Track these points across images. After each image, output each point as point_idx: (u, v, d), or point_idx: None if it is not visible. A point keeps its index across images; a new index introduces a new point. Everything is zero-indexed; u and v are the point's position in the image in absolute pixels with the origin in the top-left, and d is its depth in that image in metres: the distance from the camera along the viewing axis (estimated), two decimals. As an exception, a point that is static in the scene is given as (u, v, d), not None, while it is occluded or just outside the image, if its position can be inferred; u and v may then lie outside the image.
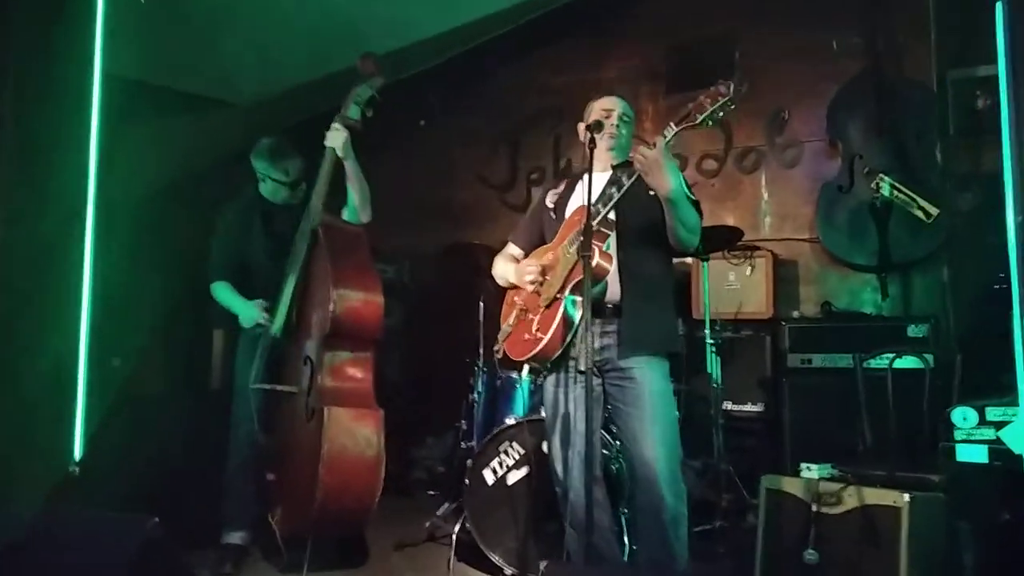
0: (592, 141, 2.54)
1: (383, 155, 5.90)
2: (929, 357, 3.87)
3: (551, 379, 2.78)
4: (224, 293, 3.53)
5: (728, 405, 4.70)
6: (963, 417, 2.42)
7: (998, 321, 4.00)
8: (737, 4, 5.11)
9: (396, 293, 5.44)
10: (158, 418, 4.06)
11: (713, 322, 4.02)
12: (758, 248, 4.84)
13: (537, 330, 2.69)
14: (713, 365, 3.87)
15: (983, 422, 2.37)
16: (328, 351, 3.15)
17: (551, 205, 2.91)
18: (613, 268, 2.60)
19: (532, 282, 2.71)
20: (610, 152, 2.77)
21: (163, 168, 4.59)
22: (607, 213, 2.57)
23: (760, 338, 4.71)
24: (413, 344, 5.56)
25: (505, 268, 2.91)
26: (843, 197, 4.69)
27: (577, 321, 2.56)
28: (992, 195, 4.66)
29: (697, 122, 2.37)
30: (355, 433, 3.07)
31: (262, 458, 3.37)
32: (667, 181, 2.45)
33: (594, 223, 2.50)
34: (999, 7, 3.21)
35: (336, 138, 3.33)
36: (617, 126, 2.80)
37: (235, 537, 3.43)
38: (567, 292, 2.56)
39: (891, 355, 3.56)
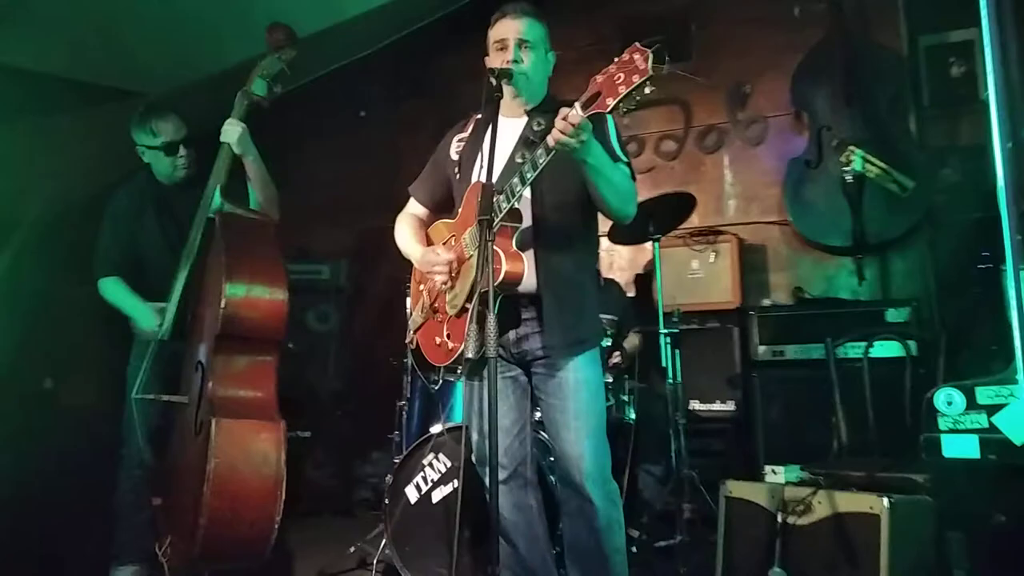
0: (497, 89, 2.12)
1: (319, 148, 5.51)
2: (911, 344, 3.51)
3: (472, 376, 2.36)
4: (115, 291, 3.09)
5: (695, 404, 4.31)
6: (948, 401, 1.99)
7: (985, 302, 3.67)
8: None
9: (332, 296, 5.02)
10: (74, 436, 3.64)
11: (670, 314, 3.60)
12: (722, 233, 4.46)
13: (448, 336, 2.28)
14: (668, 359, 3.45)
15: (973, 406, 1.94)
16: (219, 355, 2.72)
17: (455, 157, 2.45)
18: (528, 253, 2.19)
19: (443, 283, 2.27)
20: (516, 98, 2.30)
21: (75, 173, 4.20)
22: (515, 201, 2.10)
23: (727, 330, 4.33)
24: (355, 350, 5.14)
25: (409, 244, 2.46)
26: (812, 173, 4.32)
27: (492, 325, 2.14)
28: (973, 169, 4.37)
29: (607, 111, 1.86)
30: (248, 449, 2.63)
31: (153, 481, 2.93)
32: (589, 147, 2.00)
33: (496, 219, 2.08)
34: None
35: (231, 132, 2.94)
36: (515, 60, 2.23)
37: (124, 573, 2.99)
38: (476, 302, 2.11)
39: (865, 342, 3.18)
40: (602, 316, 3.81)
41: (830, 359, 3.23)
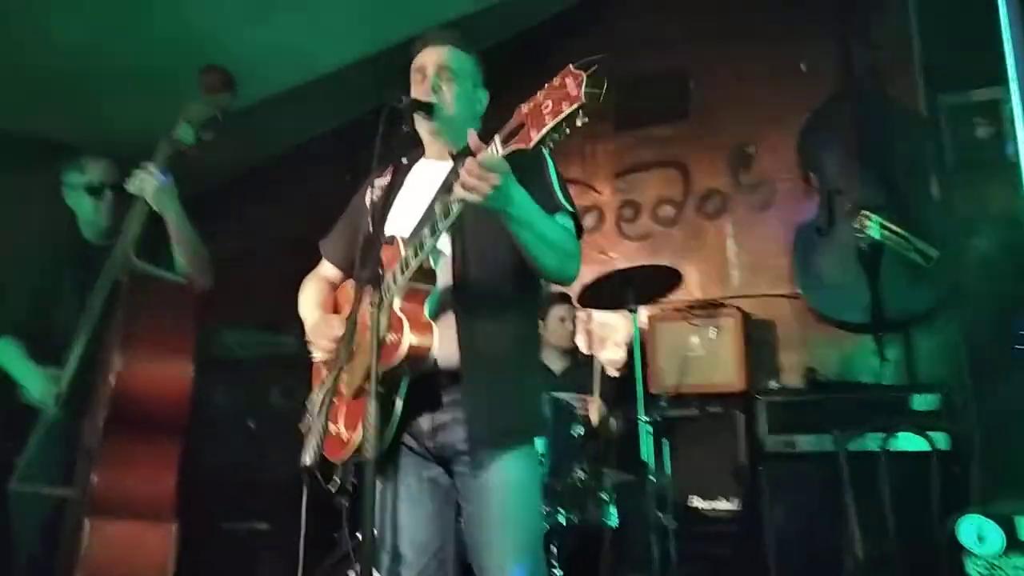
0: (405, 124, 1.74)
1: (290, 211, 5.20)
2: (939, 436, 3.01)
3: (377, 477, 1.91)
4: (5, 355, 2.72)
5: (696, 501, 3.80)
6: (978, 535, 1.48)
7: (1026, 389, 3.17)
8: (689, 29, 4.45)
9: (299, 370, 4.59)
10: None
11: (657, 397, 3.14)
12: (724, 306, 4.01)
13: (344, 425, 1.86)
14: (649, 451, 2.97)
15: (1015, 545, 1.42)
16: (107, 440, 2.32)
17: (370, 202, 2.06)
18: (449, 321, 1.78)
19: (324, 362, 1.86)
20: (437, 138, 1.93)
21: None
22: (425, 255, 1.71)
23: (731, 416, 3.84)
24: (323, 431, 4.68)
25: (307, 310, 2.05)
26: (823, 241, 3.89)
27: (396, 413, 1.73)
28: (1006, 237, 3.92)
29: (531, 144, 1.48)
30: (128, 556, 2.20)
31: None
32: (508, 198, 1.62)
33: (399, 281, 1.71)
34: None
35: (144, 183, 2.60)
36: (435, 89, 1.88)
37: None
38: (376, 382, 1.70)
39: (882, 434, 2.69)
40: (572, 396, 3.39)
41: (840, 457, 2.73)
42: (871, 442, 2.87)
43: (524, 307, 1.92)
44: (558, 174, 1.93)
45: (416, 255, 1.70)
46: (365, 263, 1.51)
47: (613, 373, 4.05)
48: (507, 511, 1.75)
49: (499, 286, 1.83)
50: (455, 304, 1.81)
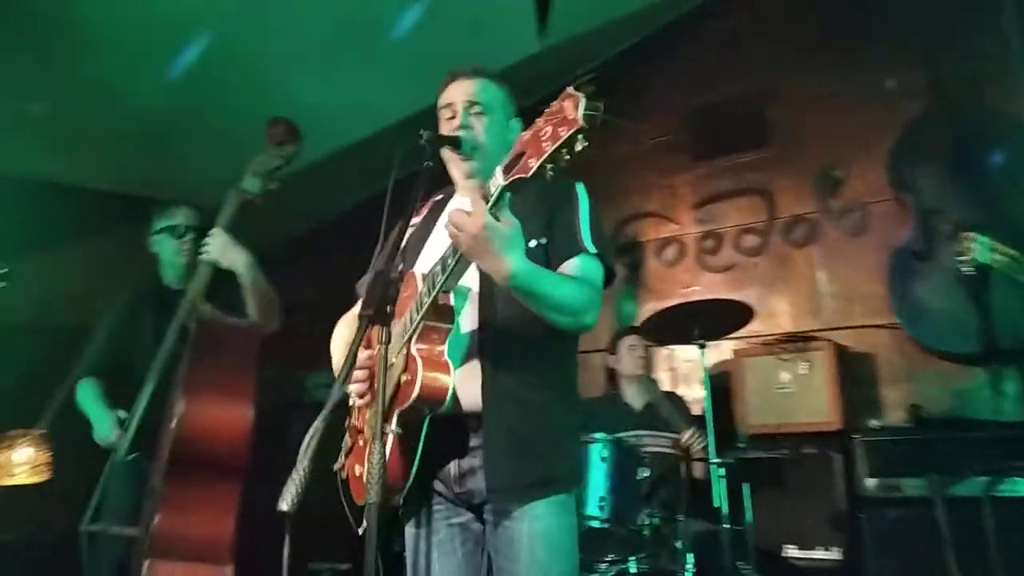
0: (432, 158, 1.70)
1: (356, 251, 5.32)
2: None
3: (409, 519, 1.86)
4: (83, 395, 2.88)
5: (790, 551, 3.52)
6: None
7: None
8: (766, 53, 4.27)
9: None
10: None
11: (734, 436, 2.95)
12: (814, 339, 3.75)
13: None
14: (722, 496, 2.77)
15: None
16: (168, 481, 2.39)
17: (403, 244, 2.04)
18: (476, 362, 1.73)
19: (360, 395, 1.82)
20: (470, 180, 1.85)
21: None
22: (436, 294, 1.64)
23: (827, 458, 3.55)
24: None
25: (336, 349, 2.03)
26: (921, 266, 3.59)
27: (416, 455, 1.67)
28: None
29: (528, 174, 1.41)
30: (181, 599, 2.24)
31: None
32: (499, 263, 1.54)
33: (415, 319, 1.67)
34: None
35: (213, 248, 2.71)
36: (463, 127, 1.81)
37: None
38: (395, 424, 1.66)
39: (989, 478, 2.39)
40: (658, 434, 3.24)
41: (937, 504, 2.45)
42: (974, 486, 2.57)
43: (558, 349, 1.81)
44: (591, 211, 1.83)
45: (430, 293, 1.66)
46: (371, 301, 1.47)
47: (697, 411, 3.86)
48: (534, 564, 1.65)
49: (528, 326, 1.72)
50: (480, 344, 1.76)
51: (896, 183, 3.78)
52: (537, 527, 1.67)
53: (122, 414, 2.70)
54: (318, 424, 1.54)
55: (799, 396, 3.71)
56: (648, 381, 3.69)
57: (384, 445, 1.53)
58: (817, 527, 3.48)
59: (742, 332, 3.93)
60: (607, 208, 4.58)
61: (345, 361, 1.47)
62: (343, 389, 1.60)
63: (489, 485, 1.69)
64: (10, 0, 3.09)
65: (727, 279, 4.25)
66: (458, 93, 1.88)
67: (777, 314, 4.12)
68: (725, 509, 2.75)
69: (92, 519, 2.57)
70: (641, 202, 4.51)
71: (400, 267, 1.87)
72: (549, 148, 1.38)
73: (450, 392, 1.64)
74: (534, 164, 1.41)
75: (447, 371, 1.65)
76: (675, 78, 4.55)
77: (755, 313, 3.19)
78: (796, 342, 3.79)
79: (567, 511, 1.73)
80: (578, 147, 1.37)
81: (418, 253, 1.92)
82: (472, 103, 1.86)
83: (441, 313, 1.68)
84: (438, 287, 1.64)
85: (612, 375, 3.80)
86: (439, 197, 2.04)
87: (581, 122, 1.34)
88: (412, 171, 1.71)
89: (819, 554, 3.47)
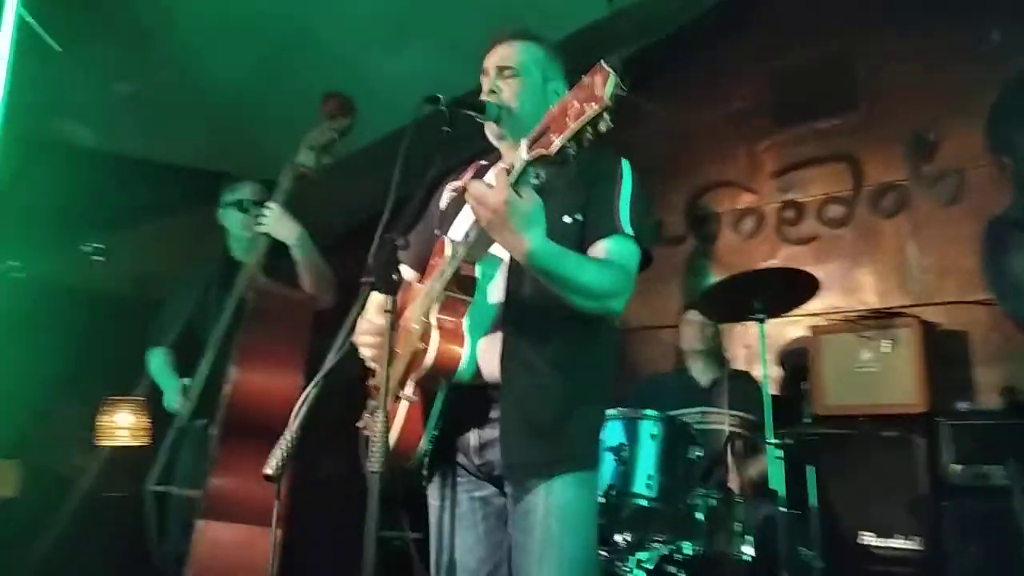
0: (446, 131, 1.66)
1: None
2: None
3: (433, 490, 1.86)
4: (155, 362, 3.07)
5: (867, 538, 3.33)
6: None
7: None
8: (851, 12, 3.98)
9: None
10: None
11: (829, 418, 2.81)
12: (900, 315, 3.52)
13: None
14: (780, 478, 2.64)
15: None
16: (222, 446, 2.49)
17: (443, 206, 2.00)
18: (499, 333, 1.70)
19: (372, 358, 1.79)
20: (504, 139, 1.80)
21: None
22: (456, 265, 1.62)
23: (909, 441, 3.34)
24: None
25: (371, 313, 2.03)
26: (1021, 238, 3.29)
27: (432, 422, 1.67)
28: None
29: (551, 150, 1.36)
30: (230, 559, 2.32)
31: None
32: (517, 240, 1.49)
33: (440, 285, 1.65)
34: None
35: (269, 222, 2.77)
36: (492, 91, 1.78)
37: None
38: (408, 389, 1.66)
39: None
40: (728, 412, 3.13)
41: (1016, 492, 2.26)
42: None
43: (585, 327, 1.73)
44: (634, 190, 1.75)
45: (452, 262, 1.65)
46: (374, 267, 1.47)
47: (772, 391, 3.70)
48: (548, 538, 1.62)
49: (554, 302, 1.64)
50: (504, 316, 1.73)
51: (995, 147, 3.47)
52: (552, 501, 1.64)
53: (187, 382, 2.84)
54: (309, 391, 1.56)
55: (881, 376, 3.49)
56: (714, 356, 3.56)
57: (383, 415, 1.51)
58: (896, 515, 3.28)
59: (823, 307, 3.76)
60: (681, 178, 4.43)
61: (343, 328, 1.47)
62: (337, 357, 1.60)
63: (504, 461, 1.67)
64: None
65: (808, 252, 4.03)
66: (492, 58, 1.85)
67: (862, 289, 3.89)
68: (782, 492, 2.62)
69: (158, 481, 2.72)
70: (717, 171, 4.32)
71: (436, 232, 1.89)
72: (572, 125, 1.33)
73: (462, 364, 1.62)
74: (556, 140, 1.36)
75: (462, 343, 1.64)
76: (753, 39, 4.31)
77: (821, 285, 3.00)
78: (880, 319, 3.57)
79: (586, 487, 1.69)
80: (602, 127, 1.32)
81: (454, 219, 1.90)
82: (503, 68, 1.81)
83: (463, 284, 1.66)
84: (459, 258, 1.62)
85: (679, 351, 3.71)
86: (484, 162, 2.00)
87: (607, 101, 1.28)
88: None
89: (897, 543, 3.27)
